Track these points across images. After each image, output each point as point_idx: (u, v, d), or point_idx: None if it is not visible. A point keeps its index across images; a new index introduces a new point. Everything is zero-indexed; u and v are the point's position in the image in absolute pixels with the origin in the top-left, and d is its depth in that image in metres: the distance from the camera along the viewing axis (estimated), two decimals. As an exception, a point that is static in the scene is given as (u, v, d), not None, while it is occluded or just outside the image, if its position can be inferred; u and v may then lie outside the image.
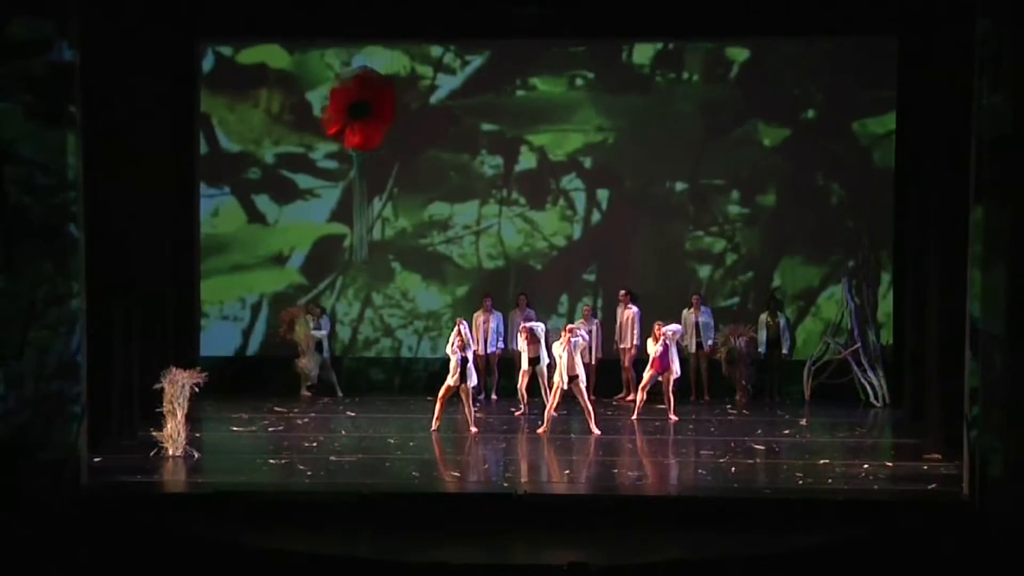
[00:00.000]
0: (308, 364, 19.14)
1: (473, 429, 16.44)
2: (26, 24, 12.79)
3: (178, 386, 15.04)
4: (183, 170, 19.06)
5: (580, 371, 16.54)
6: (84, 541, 11.81)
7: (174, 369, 15.25)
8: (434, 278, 19.88)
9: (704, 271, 19.69)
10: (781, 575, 11.56)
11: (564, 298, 19.84)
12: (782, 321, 19.12)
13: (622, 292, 19.16)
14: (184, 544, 11.88)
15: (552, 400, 16.72)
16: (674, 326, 17.55)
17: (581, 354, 18.29)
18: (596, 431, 16.42)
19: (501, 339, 19.12)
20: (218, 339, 19.78)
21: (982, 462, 12.66)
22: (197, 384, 15.22)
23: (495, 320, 19.07)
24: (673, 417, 17.36)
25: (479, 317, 19.08)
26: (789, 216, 19.52)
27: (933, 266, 16.03)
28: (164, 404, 15.04)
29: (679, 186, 19.65)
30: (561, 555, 11.22)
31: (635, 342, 18.78)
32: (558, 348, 16.62)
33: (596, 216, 19.80)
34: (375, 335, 19.88)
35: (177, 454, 14.96)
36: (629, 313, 18.98)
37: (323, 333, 19.18)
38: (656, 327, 17.44)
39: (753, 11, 18.30)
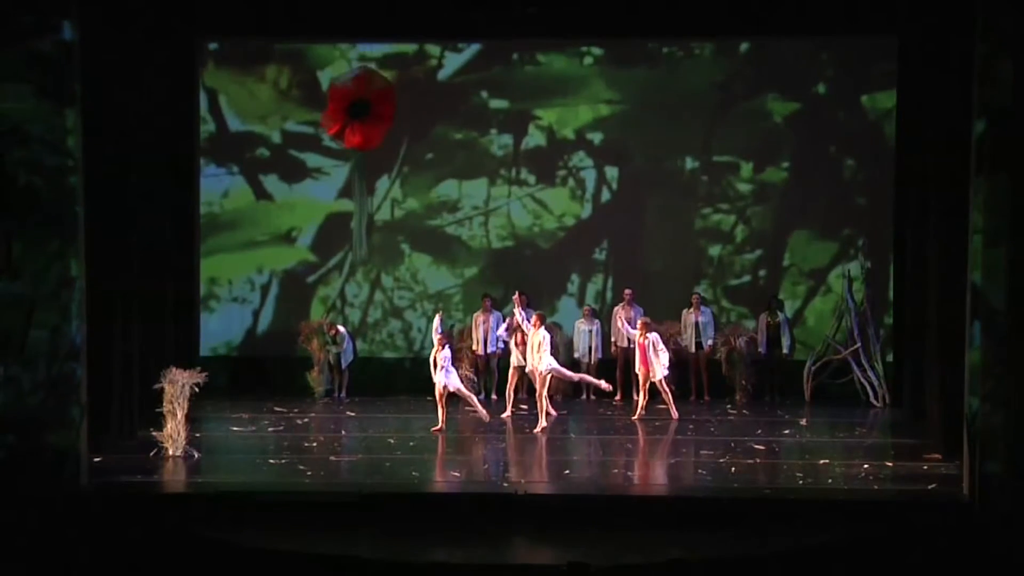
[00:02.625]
0: (318, 378, 19.16)
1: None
2: (31, 4, 12.80)
3: (178, 386, 15.03)
4: (184, 155, 19.06)
5: (539, 366, 16.50)
6: (84, 541, 11.82)
7: (174, 369, 15.24)
8: (443, 259, 19.79)
9: (714, 249, 19.57)
10: (781, 575, 11.57)
11: (574, 277, 19.76)
12: (782, 320, 19.09)
13: (627, 291, 19.08)
14: (184, 544, 11.89)
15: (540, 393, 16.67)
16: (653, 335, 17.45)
17: (582, 354, 18.36)
18: (543, 424, 16.37)
19: (500, 339, 19.09)
20: (228, 321, 19.72)
21: (982, 462, 12.65)
22: (197, 384, 15.23)
23: (494, 319, 19.03)
24: (673, 416, 17.34)
25: (478, 317, 19.05)
26: (800, 191, 19.43)
27: (933, 244, 15.93)
28: (164, 404, 15.03)
29: (689, 162, 19.53)
30: (561, 555, 11.23)
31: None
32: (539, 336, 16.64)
33: (606, 194, 19.67)
34: (384, 317, 19.80)
35: (177, 454, 14.95)
36: (631, 314, 18.90)
37: (337, 350, 19.13)
38: (640, 324, 17.38)
39: (754, 12, 18.27)
